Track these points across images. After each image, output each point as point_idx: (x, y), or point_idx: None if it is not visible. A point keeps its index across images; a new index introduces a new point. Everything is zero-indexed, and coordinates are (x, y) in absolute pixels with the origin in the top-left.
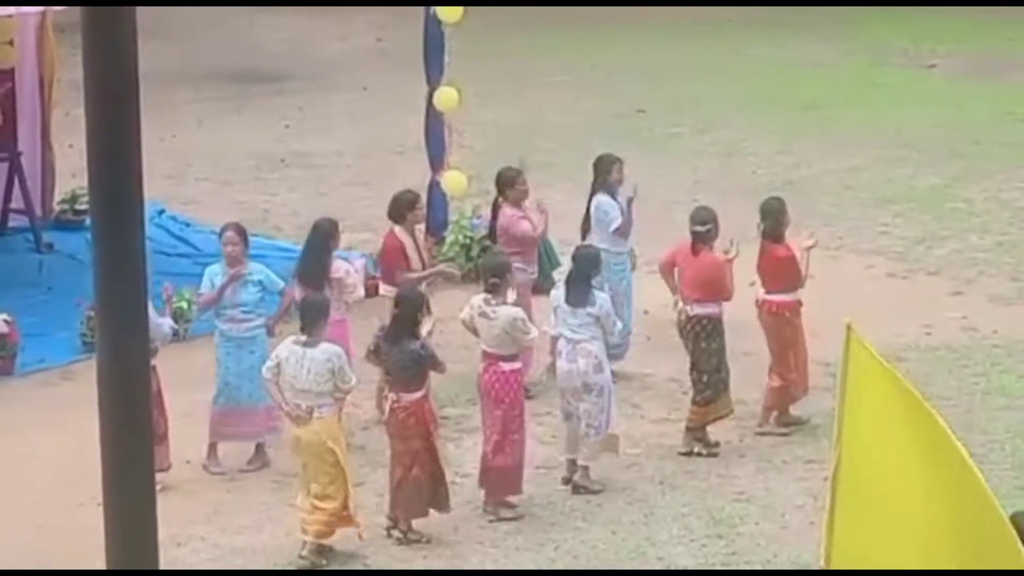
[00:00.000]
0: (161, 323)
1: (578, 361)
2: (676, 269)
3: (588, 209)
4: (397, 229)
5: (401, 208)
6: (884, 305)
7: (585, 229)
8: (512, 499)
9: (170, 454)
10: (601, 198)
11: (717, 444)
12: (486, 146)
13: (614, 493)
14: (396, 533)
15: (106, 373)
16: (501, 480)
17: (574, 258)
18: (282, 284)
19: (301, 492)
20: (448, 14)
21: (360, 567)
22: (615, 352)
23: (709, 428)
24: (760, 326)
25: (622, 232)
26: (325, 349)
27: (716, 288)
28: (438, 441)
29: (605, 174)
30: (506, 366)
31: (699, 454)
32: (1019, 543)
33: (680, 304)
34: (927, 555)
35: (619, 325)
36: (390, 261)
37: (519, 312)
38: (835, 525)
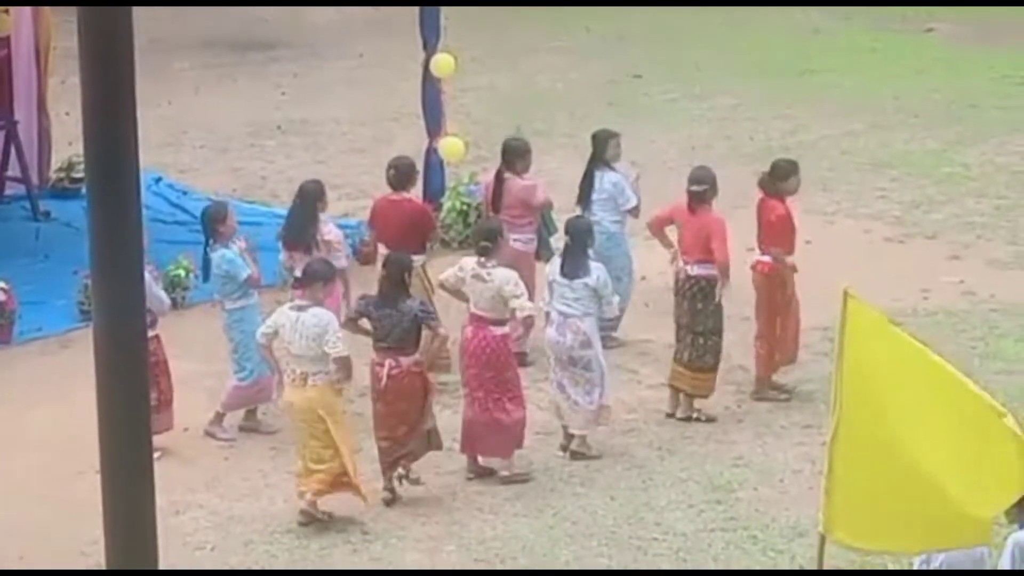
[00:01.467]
0: (162, 295)
1: (567, 335)
2: (674, 226)
3: (584, 182)
4: (413, 194)
5: (411, 174)
6: (882, 270)
7: (582, 201)
8: (511, 460)
9: (174, 417)
10: (613, 176)
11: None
12: (483, 112)
13: (612, 459)
14: (385, 495)
15: (103, 341)
16: (508, 437)
17: (567, 230)
18: None
19: (297, 456)
20: None
21: (359, 533)
22: (608, 324)
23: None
24: (753, 288)
25: (637, 213)
26: (316, 313)
27: (712, 247)
28: (433, 403)
29: (603, 150)
30: (496, 330)
31: (698, 419)
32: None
33: (680, 263)
34: (924, 520)
35: (616, 298)
36: (424, 227)
37: (513, 274)
38: (833, 489)
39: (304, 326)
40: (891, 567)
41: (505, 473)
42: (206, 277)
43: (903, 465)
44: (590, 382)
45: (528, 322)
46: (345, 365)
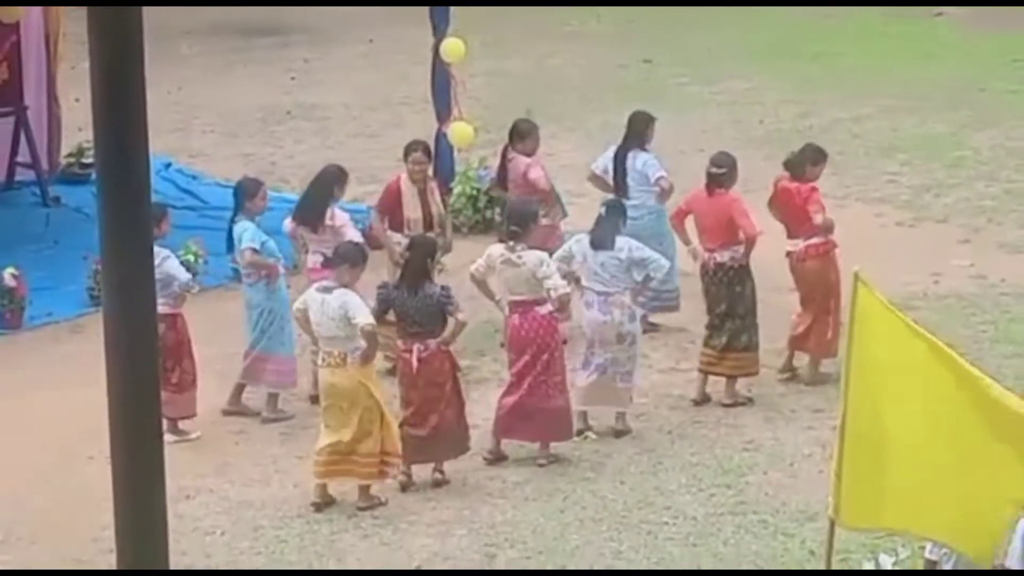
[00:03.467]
0: (182, 272)
1: (612, 312)
2: (692, 217)
3: (618, 165)
4: (403, 175)
5: (407, 152)
6: (892, 254)
7: (619, 184)
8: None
9: (196, 403)
10: (644, 155)
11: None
12: (493, 97)
13: (622, 443)
14: (401, 478)
15: (113, 327)
16: (556, 423)
17: (606, 205)
18: None
19: (329, 438)
20: None
21: (369, 518)
22: (669, 304)
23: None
24: (796, 276)
25: (668, 187)
26: (340, 294)
27: (736, 228)
28: (463, 383)
29: (640, 131)
30: (542, 310)
31: (742, 403)
32: None
33: (704, 254)
34: (933, 503)
35: (666, 264)
36: (381, 205)
37: (544, 255)
38: (843, 473)
39: (330, 308)
40: (901, 555)
41: (543, 461)
42: (229, 248)
43: (912, 449)
44: (632, 359)
45: (564, 299)
46: (372, 337)
